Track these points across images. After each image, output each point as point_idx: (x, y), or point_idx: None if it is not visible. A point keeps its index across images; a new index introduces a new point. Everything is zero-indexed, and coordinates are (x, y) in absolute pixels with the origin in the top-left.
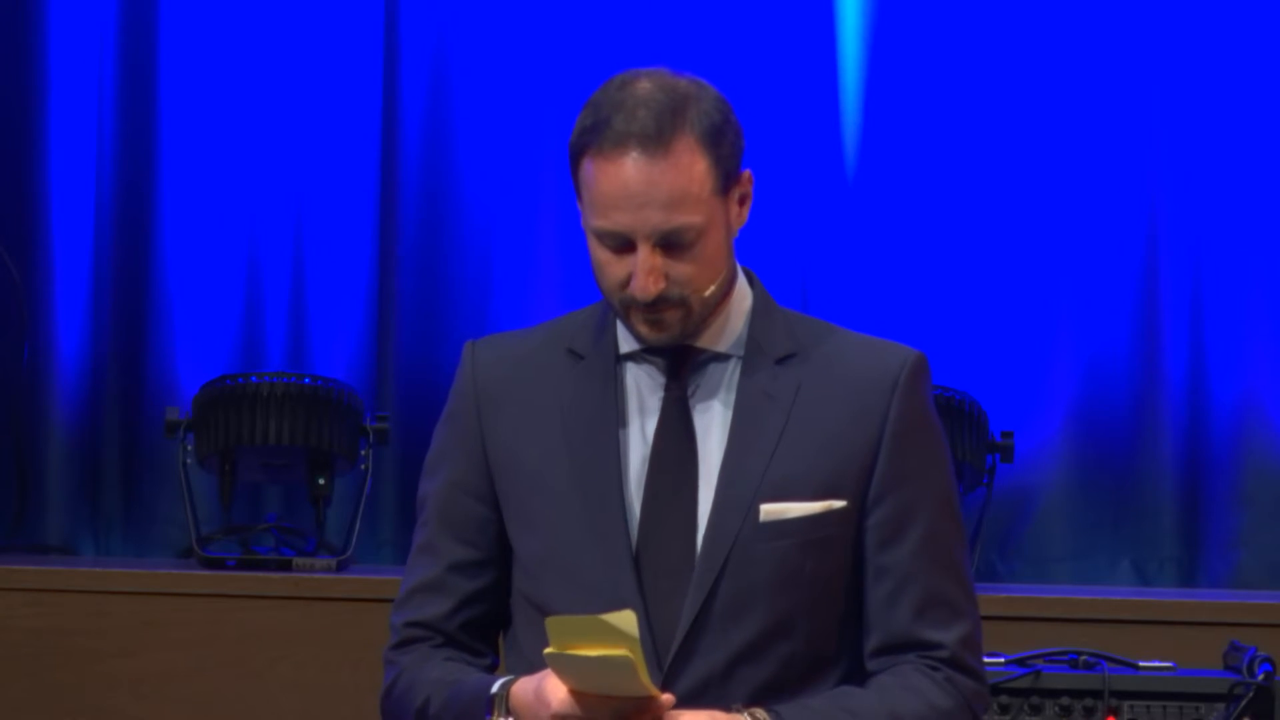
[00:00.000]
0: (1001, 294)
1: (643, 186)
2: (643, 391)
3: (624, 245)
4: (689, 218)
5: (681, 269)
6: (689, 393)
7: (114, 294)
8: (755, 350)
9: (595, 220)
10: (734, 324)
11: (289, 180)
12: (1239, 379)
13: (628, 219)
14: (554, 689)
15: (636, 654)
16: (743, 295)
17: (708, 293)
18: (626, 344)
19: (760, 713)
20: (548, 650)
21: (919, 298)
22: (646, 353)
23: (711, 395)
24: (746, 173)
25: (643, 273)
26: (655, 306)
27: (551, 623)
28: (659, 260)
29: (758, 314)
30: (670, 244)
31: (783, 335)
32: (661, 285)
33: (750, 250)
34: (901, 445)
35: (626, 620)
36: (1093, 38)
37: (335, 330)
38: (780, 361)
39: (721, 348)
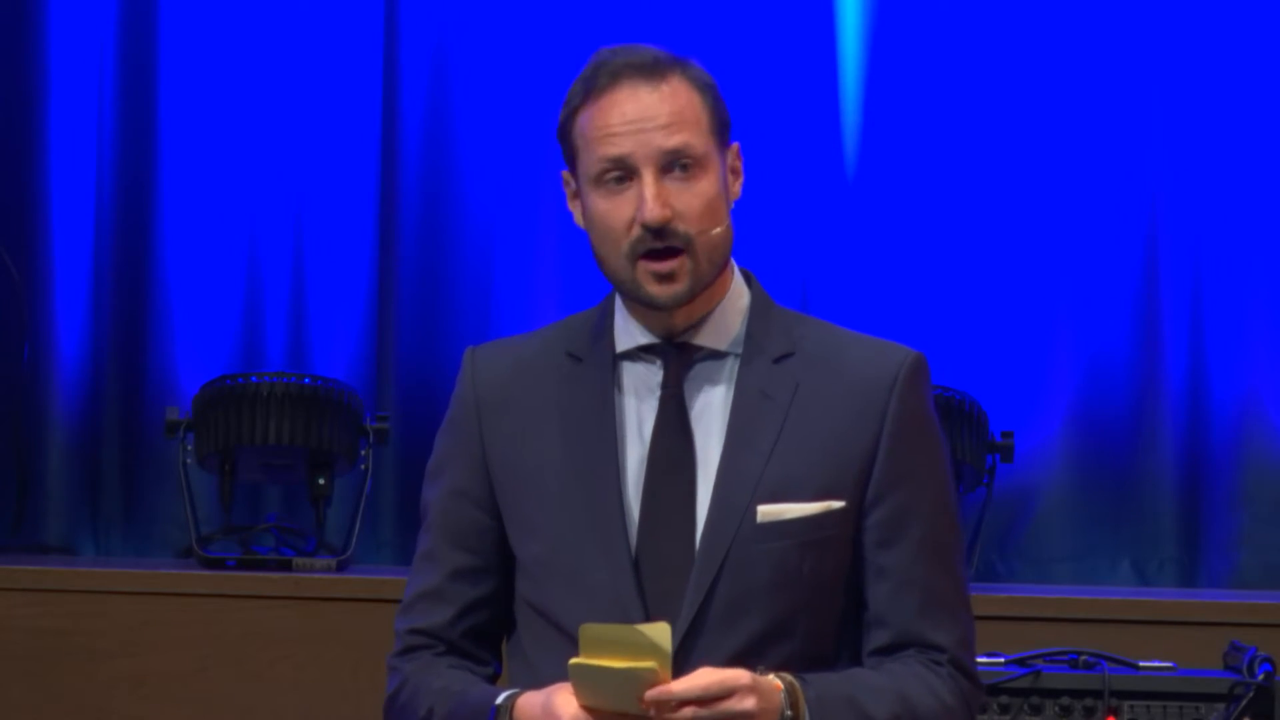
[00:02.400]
0: (1001, 294)
1: (641, 111)
2: (639, 391)
3: (626, 178)
4: (689, 137)
5: (685, 200)
6: (685, 391)
7: (114, 294)
8: (753, 349)
9: (598, 152)
10: (731, 322)
11: (289, 180)
12: (1239, 379)
13: (630, 143)
14: (564, 703)
15: (665, 667)
16: (739, 294)
17: (713, 233)
18: (623, 342)
19: (787, 676)
20: (573, 661)
21: (919, 297)
22: (643, 351)
23: (709, 394)
24: (736, 145)
25: (650, 196)
26: (662, 247)
27: (585, 630)
28: (664, 187)
29: (756, 313)
30: (672, 167)
31: (781, 334)
32: (669, 212)
33: (750, 250)
34: (900, 445)
35: (661, 632)
36: (1093, 38)
37: (335, 330)
38: (778, 360)
39: (718, 346)
